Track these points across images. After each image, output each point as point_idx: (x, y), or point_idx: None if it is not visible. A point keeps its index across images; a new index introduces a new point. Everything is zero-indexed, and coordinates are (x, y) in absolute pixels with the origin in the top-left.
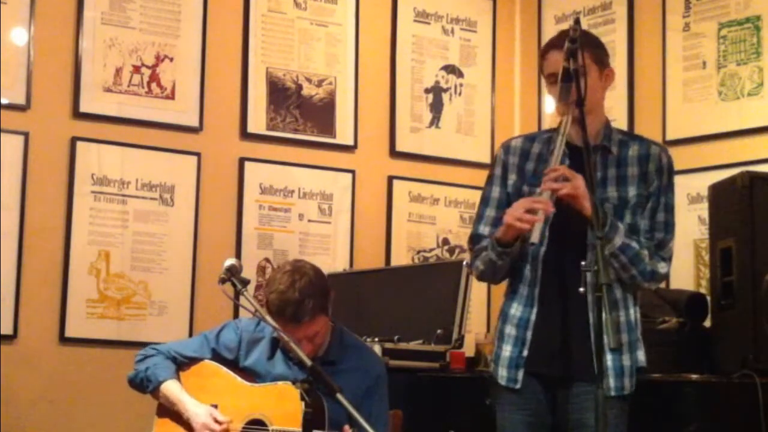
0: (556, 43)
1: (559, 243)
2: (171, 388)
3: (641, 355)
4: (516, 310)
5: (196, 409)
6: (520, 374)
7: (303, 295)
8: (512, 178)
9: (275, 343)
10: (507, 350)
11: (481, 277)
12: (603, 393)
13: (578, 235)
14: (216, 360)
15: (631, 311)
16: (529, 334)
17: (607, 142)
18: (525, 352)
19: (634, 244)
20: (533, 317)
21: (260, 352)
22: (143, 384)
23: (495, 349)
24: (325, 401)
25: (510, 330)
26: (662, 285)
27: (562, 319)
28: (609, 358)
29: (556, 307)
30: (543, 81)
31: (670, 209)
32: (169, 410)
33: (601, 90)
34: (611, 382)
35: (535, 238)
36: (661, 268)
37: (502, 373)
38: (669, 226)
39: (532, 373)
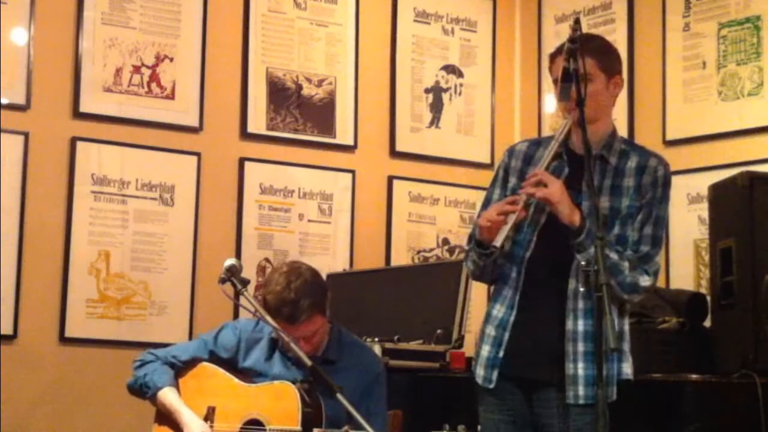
0: (562, 48)
1: (544, 249)
2: (168, 396)
3: (626, 368)
4: (498, 311)
5: (191, 424)
6: (495, 374)
7: (299, 295)
8: (512, 181)
9: (274, 344)
10: (485, 350)
11: (472, 277)
12: (604, 393)
13: (564, 242)
14: (214, 361)
15: (614, 323)
16: (506, 336)
17: (606, 152)
18: (501, 353)
19: (613, 255)
20: (512, 319)
21: (259, 352)
22: (142, 390)
23: (476, 348)
24: (322, 400)
25: (490, 330)
26: (662, 285)
27: (539, 323)
28: (581, 366)
29: (535, 312)
30: (543, 81)
31: (659, 223)
32: (167, 417)
33: (606, 98)
34: (580, 390)
35: (497, 241)
36: (644, 281)
37: (479, 372)
38: (656, 240)
39: (508, 375)
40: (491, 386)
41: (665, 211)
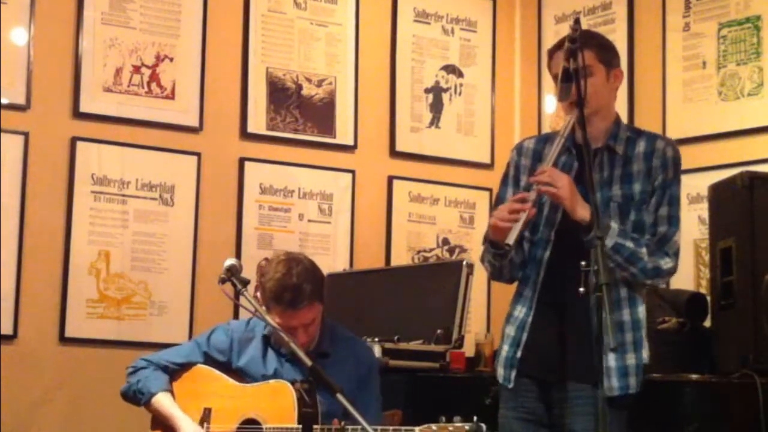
0: (561, 44)
1: (563, 247)
2: (162, 401)
3: (645, 353)
4: (518, 312)
5: (185, 428)
6: (513, 374)
7: (300, 280)
8: (524, 179)
9: (266, 342)
10: (505, 350)
11: (491, 277)
12: (603, 393)
13: (581, 240)
14: (208, 363)
15: (639, 309)
16: (524, 336)
17: (612, 142)
18: (519, 353)
19: (629, 244)
20: (530, 319)
21: (252, 351)
22: (136, 397)
23: (499, 348)
24: (318, 396)
25: (509, 330)
26: (662, 285)
27: (559, 322)
28: (612, 358)
29: (554, 310)
30: (543, 81)
31: (674, 202)
32: (162, 423)
33: (608, 91)
34: (614, 381)
35: (510, 239)
36: (665, 263)
37: (499, 371)
38: (673, 219)
39: (526, 374)
40: (510, 386)
41: (678, 191)
